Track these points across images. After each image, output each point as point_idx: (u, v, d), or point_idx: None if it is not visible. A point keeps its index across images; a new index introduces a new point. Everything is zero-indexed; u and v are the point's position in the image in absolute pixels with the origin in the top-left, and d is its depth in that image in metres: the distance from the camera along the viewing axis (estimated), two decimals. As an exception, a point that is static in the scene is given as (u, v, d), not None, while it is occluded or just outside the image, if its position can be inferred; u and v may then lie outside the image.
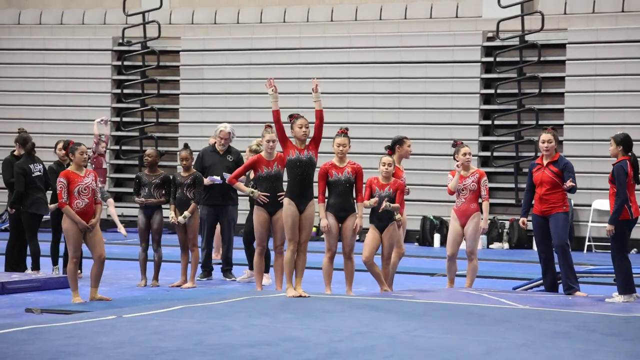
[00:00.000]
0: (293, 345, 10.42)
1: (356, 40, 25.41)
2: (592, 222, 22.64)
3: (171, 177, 15.85)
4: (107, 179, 25.14)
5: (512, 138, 24.25)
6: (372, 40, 25.24)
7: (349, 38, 25.46)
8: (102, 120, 19.94)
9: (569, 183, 14.70)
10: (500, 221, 24.08)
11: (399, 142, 15.43)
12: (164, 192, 15.71)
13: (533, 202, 15.23)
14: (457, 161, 15.40)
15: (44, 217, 16.44)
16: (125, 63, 27.32)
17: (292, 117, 13.67)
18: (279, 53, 25.85)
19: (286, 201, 12.99)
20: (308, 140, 13.18)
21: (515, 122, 24.27)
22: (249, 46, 26.13)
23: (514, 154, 24.18)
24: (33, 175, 15.94)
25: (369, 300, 14.36)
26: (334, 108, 24.46)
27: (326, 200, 14.41)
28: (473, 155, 18.99)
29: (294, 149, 13.15)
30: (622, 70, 23.39)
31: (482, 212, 15.45)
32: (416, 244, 23.76)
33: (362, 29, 25.62)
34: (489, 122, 24.49)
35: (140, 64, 27.12)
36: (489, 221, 17.57)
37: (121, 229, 19.01)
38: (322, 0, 26.43)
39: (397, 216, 14.57)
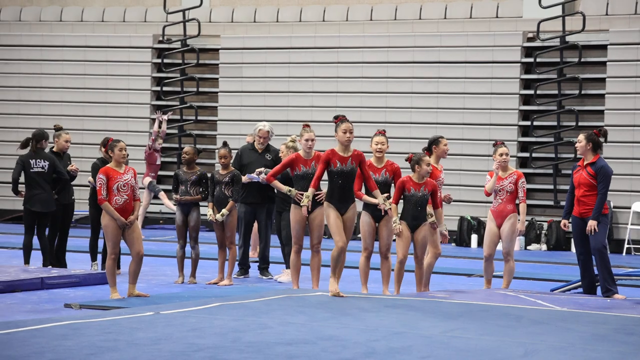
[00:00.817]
0: (330, 344, 10.41)
1: (395, 40, 25.38)
2: (631, 224, 22.55)
3: (209, 174, 15.89)
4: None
5: (552, 139, 24.16)
6: (411, 40, 25.20)
7: (387, 37, 25.42)
8: (161, 117, 19.93)
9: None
10: (539, 222, 23.99)
11: (435, 142, 15.38)
12: (201, 189, 15.67)
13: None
14: (496, 162, 15.39)
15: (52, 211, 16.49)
16: (165, 61, 27.41)
17: (338, 119, 12.99)
18: (318, 52, 25.87)
19: (326, 204, 12.98)
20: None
21: (555, 124, 24.16)
22: (288, 45, 26.17)
23: (553, 156, 24.10)
24: (32, 170, 16.01)
25: (406, 300, 14.32)
26: (372, 107, 24.50)
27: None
28: (512, 156, 18.98)
29: (337, 158, 12.93)
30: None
31: (519, 214, 15.41)
32: (453, 244, 23.73)
33: (401, 28, 25.58)
34: (528, 123, 24.42)
35: (180, 61, 27.18)
36: (526, 223, 17.59)
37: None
38: (361, -1, 26.39)
39: (431, 219, 14.58)
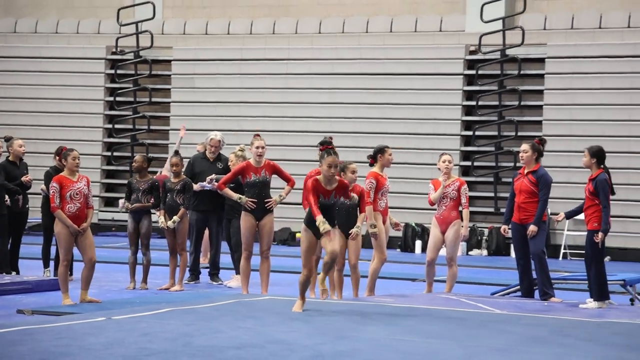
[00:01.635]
0: (278, 347, 10.40)
1: (342, 52, 25.45)
2: (567, 230, 22.68)
3: (160, 182, 15.90)
4: (100, 184, 25.28)
5: (492, 149, 24.29)
6: (358, 52, 25.26)
7: (335, 49, 25.48)
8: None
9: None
10: (480, 229, 24.11)
11: (380, 151, 15.45)
12: (152, 197, 15.67)
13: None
14: (441, 170, 15.46)
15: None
16: (118, 72, 27.25)
17: (323, 148, 11.91)
18: (268, 63, 25.86)
19: (303, 227, 12.16)
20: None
21: (496, 133, 24.32)
22: (239, 56, 26.16)
23: (493, 164, 24.23)
24: None
25: (352, 305, 14.35)
26: (319, 117, 24.51)
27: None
28: (455, 165, 18.98)
29: (321, 191, 11.94)
30: (599, 85, 23.49)
31: (462, 220, 15.48)
32: (398, 249, 23.74)
33: (348, 41, 25.65)
34: (470, 132, 24.52)
35: (133, 72, 27.05)
36: (468, 228, 17.64)
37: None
38: (310, 12, 26.40)
39: (368, 227, 14.68)
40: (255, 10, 26.90)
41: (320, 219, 11.37)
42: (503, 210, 18.63)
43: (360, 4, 26.17)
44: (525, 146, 15.31)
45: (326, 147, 11.65)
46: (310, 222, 11.56)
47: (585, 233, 15.18)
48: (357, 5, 26.17)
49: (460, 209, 15.48)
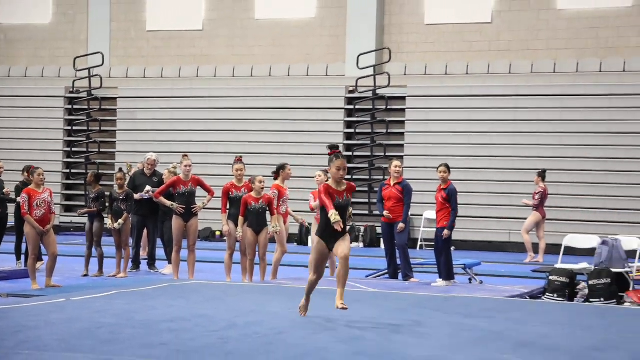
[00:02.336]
0: (202, 320, 10.46)
1: (252, 91, 25.54)
2: (423, 227, 22.86)
3: (108, 193, 16.13)
4: (61, 194, 25.03)
5: (367, 165, 24.40)
6: (264, 92, 25.37)
7: (246, 89, 25.53)
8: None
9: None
10: (358, 226, 24.16)
11: (281, 167, 15.69)
12: (99, 203, 15.97)
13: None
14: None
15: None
16: (75, 107, 27.16)
17: (332, 152, 10.63)
18: (193, 100, 25.77)
19: (316, 239, 10.81)
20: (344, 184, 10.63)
21: (369, 154, 24.44)
22: (170, 95, 26.07)
23: (367, 177, 24.33)
24: None
25: (260, 287, 14.43)
26: (233, 141, 24.43)
27: (227, 210, 14.63)
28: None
29: (334, 193, 10.39)
30: (446, 117, 23.82)
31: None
32: (295, 243, 23.69)
33: (256, 82, 25.72)
34: (350, 153, 24.61)
35: (86, 107, 26.83)
36: (349, 226, 17.80)
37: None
38: (226, 61, 26.31)
39: (272, 228, 14.81)
40: (183, 59, 26.77)
41: (333, 212, 10.14)
42: (376, 212, 18.95)
43: (265, 54, 26.16)
44: (399, 163, 15.74)
45: (334, 151, 10.57)
46: (323, 233, 10.38)
47: (435, 229, 15.57)
48: (263, 55, 26.18)
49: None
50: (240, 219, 14.53)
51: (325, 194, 10.14)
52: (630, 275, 14.86)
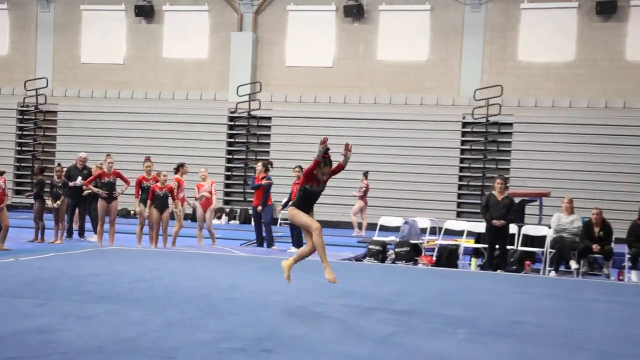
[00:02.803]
0: (119, 275, 10.46)
1: (160, 109, 25.29)
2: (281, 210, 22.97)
3: (49, 181, 16.21)
4: (13, 181, 24.24)
5: (242, 166, 24.48)
6: (169, 110, 25.17)
7: (155, 108, 25.38)
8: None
9: None
10: (235, 209, 24.11)
11: (181, 165, 16.10)
12: (39, 188, 16.00)
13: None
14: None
15: None
16: (25, 117, 26.43)
17: (325, 156, 9.18)
18: (117, 114, 25.30)
19: (295, 210, 9.25)
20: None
21: (244, 157, 24.52)
22: (98, 110, 25.55)
23: (243, 174, 24.37)
24: None
25: (163, 252, 14.43)
26: (145, 145, 24.10)
27: (139, 196, 14.93)
28: (219, 173, 19.08)
29: (315, 182, 9.06)
30: (302, 132, 23.88)
31: (213, 203, 16.20)
32: (189, 220, 23.56)
33: (164, 104, 25.52)
34: (231, 156, 24.71)
35: (34, 118, 26.21)
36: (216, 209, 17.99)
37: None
38: (140, 87, 25.99)
39: (173, 209, 15.13)
40: (108, 84, 26.25)
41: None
42: (250, 199, 18.84)
43: (170, 83, 25.94)
44: (260, 164, 16.02)
45: (326, 155, 9.11)
46: (299, 204, 9.08)
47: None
48: (168, 84, 25.96)
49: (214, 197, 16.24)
50: (149, 202, 14.64)
51: (310, 173, 8.93)
52: (422, 245, 15.42)
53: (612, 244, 14.26)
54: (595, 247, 13.97)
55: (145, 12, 25.74)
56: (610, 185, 21.22)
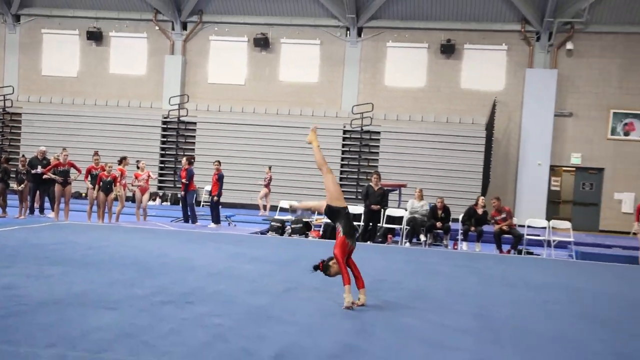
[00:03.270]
0: (72, 244, 10.09)
1: (106, 114, 24.21)
2: (204, 194, 22.62)
3: (14, 169, 15.42)
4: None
5: (173, 164, 23.88)
6: (114, 116, 24.09)
7: (101, 113, 24.22)
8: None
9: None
10: (167, 193, 23.57)
11: (124, 158, 15.74)
12: (3, 175, 15.18)
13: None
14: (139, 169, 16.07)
15: None
16: (-5, 117, 25.01)
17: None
18: (71, 117, 24.19)
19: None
20: None
21: (175, 153, 23.92)
22: (55, 113, 24.32)
23: (173, 166, 23.77)
24: None
25: (108, 226, 13.97)
26: (94, 142, 23.23)
27: (89, 181, 14.41)
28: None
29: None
30: (221, 134, 23.51)
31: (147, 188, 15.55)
32: (130, 202, 22.89)
33: (110, 110, 24.49)
34: (163, 157, 24.02)
35: (2, 118, 24.70)
36: (162, 194, 17.54)
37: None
38: (90, 95, 24.94)
39: (116, 192, 14.81)
40: (64, 93, 25.11)
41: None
42: (178, 185, 18.37)
43: (114, 94, 25.00)
44: (184, 160, 15.73)
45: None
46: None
47: (210, 196, 15.52)
48: (112, 94, 24.99)
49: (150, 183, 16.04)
50: (97, 187, 14.15)
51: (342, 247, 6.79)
52: (312, 222, 15.51)
53: (450, 223, 14.78)
54: (438, 224, 14.46)
55: (95, 37, 24.91)
56: (450, 179, 21.98)
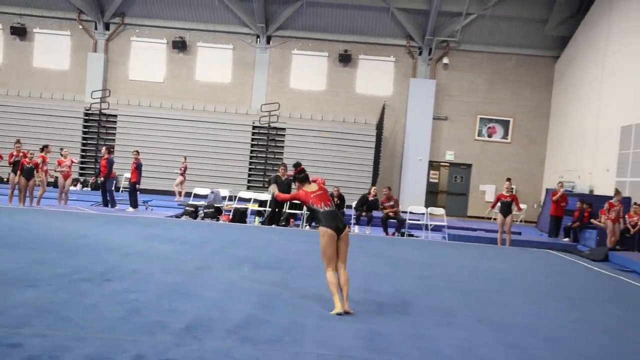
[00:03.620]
0: (39, 226, 9.37)
1: (29, 110, 22.70)
2: (123, 181, 21.76)
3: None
4: None
5: (94, 156, 22.76)
6: (39, 108, 22.61)
7: (29, 110, 22.68)
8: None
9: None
10: (87, 179, 22.43)
11: (45, 146, 15.13)
12: None
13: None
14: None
15: None
16: None
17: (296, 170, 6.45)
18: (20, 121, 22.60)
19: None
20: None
21: (96, 145, 22.81)
22: (15, 112, 22.65)
23: (94, 161, 22.65)
24: None
25: (31, 209, 13.11)
26: (17, 135, 21.73)
27: (11, 167, 13.41)
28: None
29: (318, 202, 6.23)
30: (138, 127, 22.71)
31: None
32: (52, 187, 21.57)
33: (35, 101, 22.93)
34: (85, 148, 22.84)
35: None
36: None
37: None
38: (17, 86, 23.26)
39: (38, 178, 14.06)
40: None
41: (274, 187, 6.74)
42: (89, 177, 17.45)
43: (37, 87, 23.44)
44: (105, 150, 14.96)
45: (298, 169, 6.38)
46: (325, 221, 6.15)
47: (129, 182, 14.87)
48: (38, 87, 23.43)
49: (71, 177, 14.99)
50: (18, 172, 13.23)
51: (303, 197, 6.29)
52: (223, 207, 15.29)
53: (345, 209, 15.04)
54: (334, 210, 14.66)
55: (19, 32, 23.29)
56: (346, 171, 22.35)
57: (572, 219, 15.36)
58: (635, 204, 13.97)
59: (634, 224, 13.59)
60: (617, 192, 14.09)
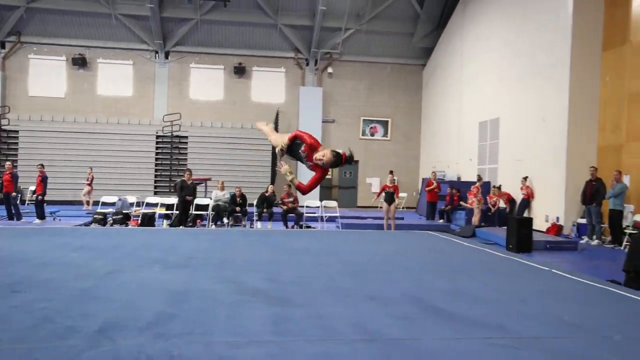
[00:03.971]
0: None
1: None
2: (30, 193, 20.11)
3: None
4: None
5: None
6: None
7: None
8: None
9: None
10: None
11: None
12: None
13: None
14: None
15: None
16: None
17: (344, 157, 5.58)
18: None
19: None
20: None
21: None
22: None
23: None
24: None
25: None
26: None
27: None
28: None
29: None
30: (50, 141, 21.11)
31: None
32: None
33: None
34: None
35: None
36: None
37: None
38: None
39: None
40: None
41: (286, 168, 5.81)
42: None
43: None
44: (7, 164, 13.60)
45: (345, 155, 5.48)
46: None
47: (35, 195, 13.73)
48: None
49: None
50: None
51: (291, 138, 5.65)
52: (131, 213, 14.59)
53: (247, 207, 14.92)
54: (237, 209, 14.49)
55: None
56: (246, 172, 22.21)
57: (445, 203, 16.33)
58: (494, 187, 15.08)
59: (493, 203, 14.68)
60: (479, 177, 15.16)
